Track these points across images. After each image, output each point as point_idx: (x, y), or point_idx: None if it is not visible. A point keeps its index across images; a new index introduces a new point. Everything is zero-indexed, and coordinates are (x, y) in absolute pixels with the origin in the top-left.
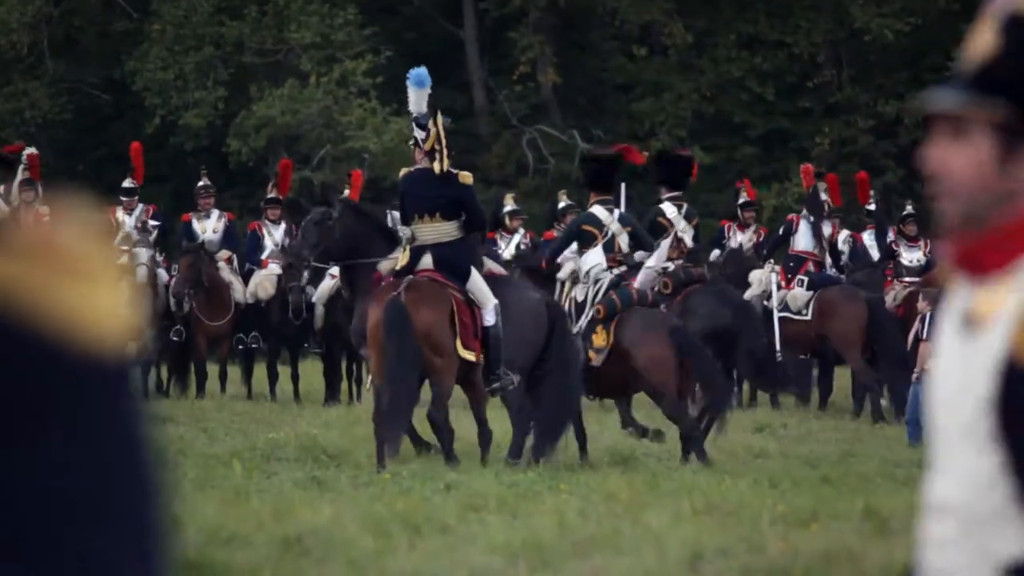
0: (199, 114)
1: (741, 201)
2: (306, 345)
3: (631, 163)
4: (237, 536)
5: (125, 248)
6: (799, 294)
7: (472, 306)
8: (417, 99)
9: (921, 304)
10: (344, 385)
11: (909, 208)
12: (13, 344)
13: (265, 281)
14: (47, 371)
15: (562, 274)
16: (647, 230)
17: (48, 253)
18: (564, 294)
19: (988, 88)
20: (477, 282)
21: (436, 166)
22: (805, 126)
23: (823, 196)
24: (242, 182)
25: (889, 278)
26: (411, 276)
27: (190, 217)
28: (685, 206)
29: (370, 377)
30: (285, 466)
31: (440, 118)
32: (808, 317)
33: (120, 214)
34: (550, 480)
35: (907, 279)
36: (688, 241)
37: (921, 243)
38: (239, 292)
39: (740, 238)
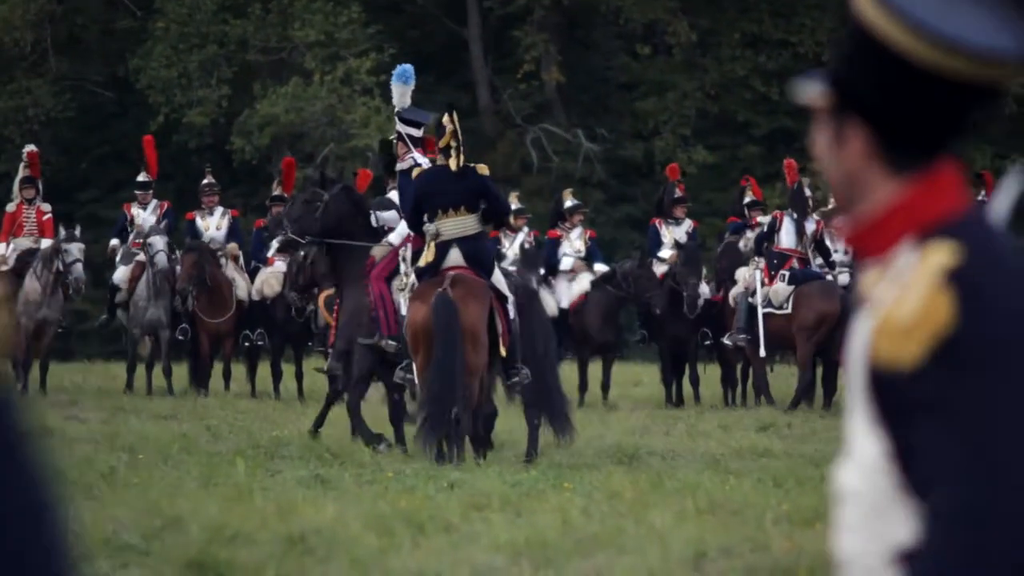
0: (203, 112)
1: (748, 200)
2: (310, 343)
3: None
4: (241, 534)
5: (139, 241)
6: (780, 289)
7: (503, 301)
8: (401, 95)
9: None
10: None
11: None
12: None
13: (271, 279)
14: None
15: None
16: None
17: None
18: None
19: (826, 76)
20: (498, 276)
21: (452, 163)
22: (809, 125)
23: (807, 192)
24: (245, 180)
25: None
26: (452, 272)
27: (194, 215)
28: None
29: (406, 373)
30: (289, 464)
31: (447, 116)
32: (789, 311)
33: (135, 209)
34: (554, 479)
35: None
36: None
37: None
38: (242, 289)
39: (749, 235)
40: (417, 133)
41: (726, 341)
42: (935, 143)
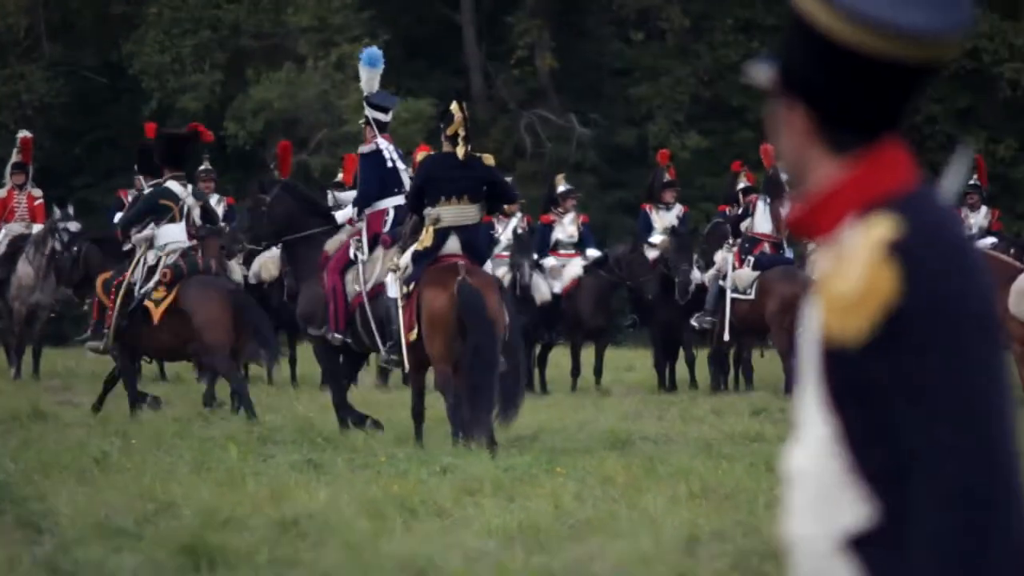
0: (196, 97)
1: (743, 186)
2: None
3: (205, 141)
4: (233, 519)
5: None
6: (744, 274)
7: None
8: (369, 79)
9: None
10: None
11: None
12: None
13: (268, 263)
14: None
15: (135, 240)
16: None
17: None
18: (137, 260)
19: (773, 58)
20: (488, 267)
21: (459, 151)
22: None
23: (784, 177)
24: (239, 165)
25: None
26: (461, 262)
27: None
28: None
29: (383, 359)
30: (281, 449)
31: (458, 104)
32: (753, 297)
33: (132, 196)
34: (546, 463)
35: None
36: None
37: None
38: (237, 274)
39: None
40: (385, 118)
41: (693, 323)
42: (875, 122)
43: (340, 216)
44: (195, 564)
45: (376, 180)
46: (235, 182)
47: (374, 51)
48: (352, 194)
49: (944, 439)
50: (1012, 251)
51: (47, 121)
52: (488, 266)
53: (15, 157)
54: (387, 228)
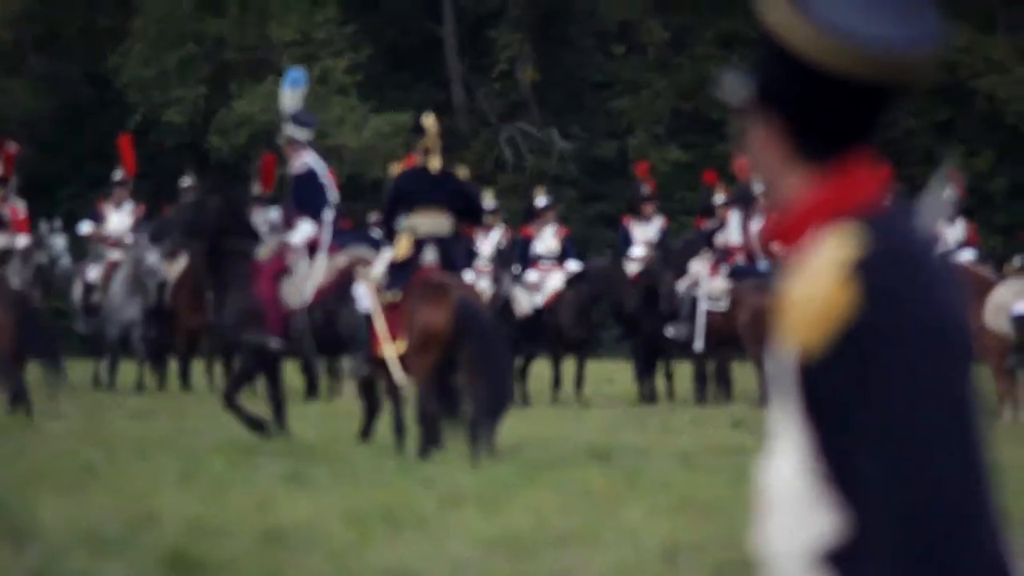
0: (180, 111)
1: (718, 199)
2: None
3: None
4: (218, 529)
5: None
6: (717, 284)
7: None
8: (292, 98)
9: None
10: (324, 382)
11: None
12: None
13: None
14: None
15: None
16: None
17: None
18: None
19: (746, 71)
20: (469, 279)
21: (433, 164)
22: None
23: (757, 189)
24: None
25: None
26: (444, 278)
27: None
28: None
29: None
30: (266, 460)
31: (432, 118)
32: (726, 308)
33: (109, 208)
34: (528, 475)
35: None
36: None
37: None
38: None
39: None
40: (308, 136)
41: (666, 333)
42: (847, 135)
43: (297, 238)
44: (180, 573)
45: (320, 196)
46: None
47: (299, 72)
48: (275, 213)
49: (891, 458)
50: (989, 264)
51: (32, 133)
52: (469, 278)
53: None
54: (325, 238)
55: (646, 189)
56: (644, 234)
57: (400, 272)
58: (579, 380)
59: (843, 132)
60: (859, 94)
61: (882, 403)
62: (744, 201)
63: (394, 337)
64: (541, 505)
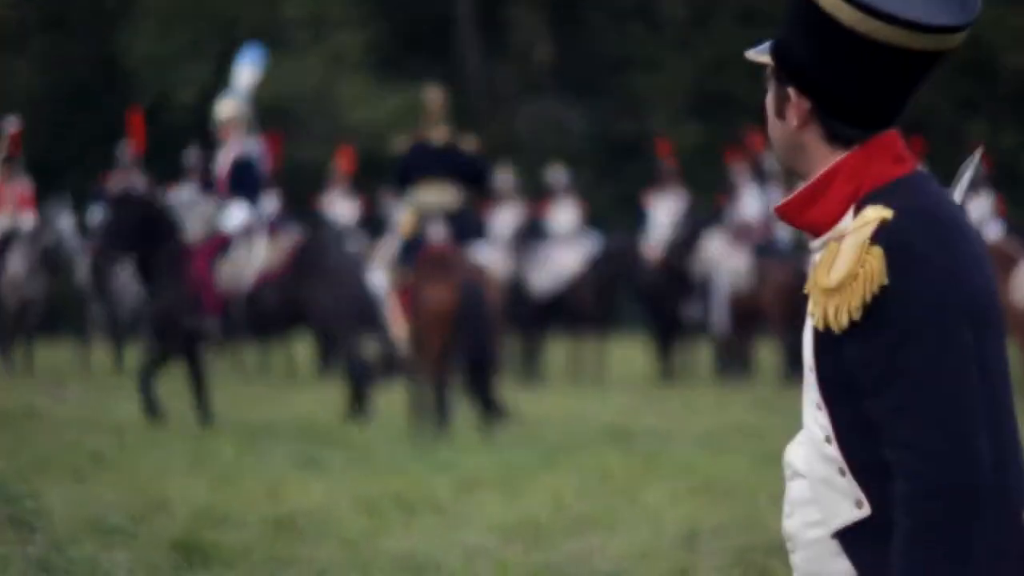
0: (190, 90)
1: (737, 176)
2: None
3: None
4: (228, 516)
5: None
6: (738, 263)
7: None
8: (249, 76)
9: None
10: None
11: None
12: None
13: None
14: None
15: None
16: None
17: None
18: None
19: (772, 44)
20: (486, 257)
21: (438, 136)
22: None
23: (774, 164)
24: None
25: None
26: (450, 254)
27: None
28: None
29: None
30: (277, 445)
31: (435, 90)
32: (748, 285)
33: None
34: (546, 458)
35: None
36: None
37: None
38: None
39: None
40: (250, 118)
41: (688, 312)
42: (874, 115)
43: (235, 224)
44: (189, 562)
45: (257, 181)
46: None
47: (260, 49)
48: (188, 195)
49: (921, 429)
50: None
51: (39, 114)
52: (483, 254)
53: (3, 151)
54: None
55: (666, 167)
56: (663, 212)
57: (412, 251)
58: (598, 360)
59: (872, 110)
60: (892, 71)
61: (911, 372)
62: (763, 176)
63: (399, 316)
64: (559, 489)
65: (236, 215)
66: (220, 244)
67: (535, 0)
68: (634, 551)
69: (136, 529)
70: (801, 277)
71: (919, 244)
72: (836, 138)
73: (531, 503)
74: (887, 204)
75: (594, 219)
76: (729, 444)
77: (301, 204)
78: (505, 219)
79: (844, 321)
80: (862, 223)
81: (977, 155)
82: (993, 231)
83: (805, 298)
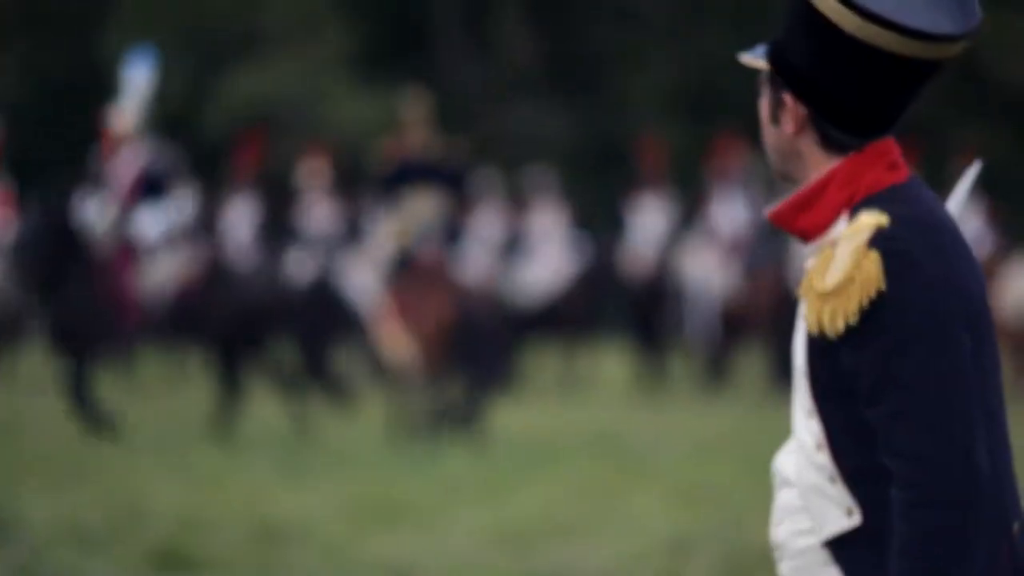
0: (170, 91)
1: (722, 178)
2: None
3: None
4: (209, 523)
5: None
6: (724, 270)
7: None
8: (142, 82)
9: None
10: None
11: None
12: None
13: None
14: None
15: None
16: None
17: None
18: None
19: (768, 49)
20: (471, 262)
21: (419, 140)
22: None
23: (761, 169)
24: (215, 158)
25: None
26: (436, 266)
27: None
28: None
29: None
30: (259, 452)
31: (423, 98)
32: (735, 290)
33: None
34: (530, 465)
35: None
36: None
37: None
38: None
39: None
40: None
41: (669, 318)
42: (870, 123)
43: (149, 231)
44: (169, 569)
45: (164, 188)
46: (210, 175)
47: (149, 55)
48: (97, 204)
49: (919, 437)
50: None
51: (19, 116)
52: (466, 259)
53: None
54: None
55: (652, 167)
56: (649, 213)
57: (397, 264)
58: (582, 366)
59: (868, 118)
60: (890, 77)
61: (906, 379)
62: (750, 181)
63: (395, 327)
64: (544, 496)
65: (147, 223)
66: (132, 254)
67: (519, 1)
68: (619, 559)
69: (115, 537)
70: (784, 284)
71: (915, 251)
72: (832, 144)
73: (516, 511)
74: (883, 212)
75: (577, 219)
76: (716, 450)
77: (283, 209)
78: (487, 220)
79: (840, 326)
80: (857, 228)
81: (976, 167)
82: (982, 239)
83: (792, 305)
